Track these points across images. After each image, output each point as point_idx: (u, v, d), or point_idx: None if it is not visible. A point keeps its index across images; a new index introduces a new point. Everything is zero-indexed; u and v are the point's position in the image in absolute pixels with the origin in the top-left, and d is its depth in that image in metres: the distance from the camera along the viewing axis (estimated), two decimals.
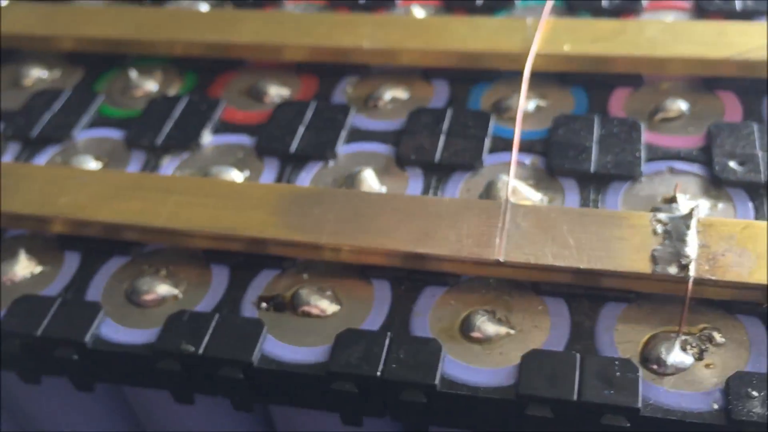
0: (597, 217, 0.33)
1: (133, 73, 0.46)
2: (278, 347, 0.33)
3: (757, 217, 0.34)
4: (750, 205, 0.35)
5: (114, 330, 0.34)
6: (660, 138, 0.39)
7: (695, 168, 0.37)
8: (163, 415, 0.38)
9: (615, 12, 0.46)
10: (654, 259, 0.31)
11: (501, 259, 0.32)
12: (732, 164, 0.36)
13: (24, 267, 0.37)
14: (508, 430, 0.31)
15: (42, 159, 0.42)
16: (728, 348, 0.31)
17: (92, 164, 0.41)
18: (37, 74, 0.48)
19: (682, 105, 0.40)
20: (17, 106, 0.46)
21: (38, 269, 0.37)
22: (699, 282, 0.31)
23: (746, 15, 0.44)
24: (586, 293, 0.33)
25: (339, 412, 0.32)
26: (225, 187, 0.37)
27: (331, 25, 0.45)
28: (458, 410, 0.31)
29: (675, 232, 0.32)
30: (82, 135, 0.44)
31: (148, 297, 0.35)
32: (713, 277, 0.31)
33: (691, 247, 0.32)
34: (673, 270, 0.31)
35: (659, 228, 0.33)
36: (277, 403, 0.34)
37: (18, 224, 0.38)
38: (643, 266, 0.31)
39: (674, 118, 0.39)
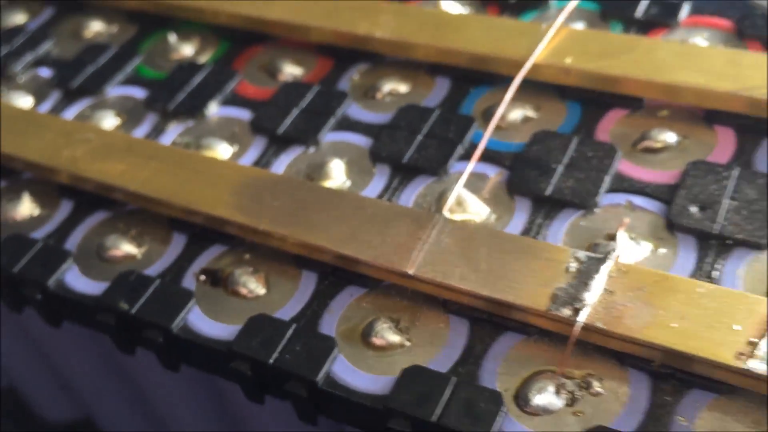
0: (517, 245, 0.33)
1: (172, 37, 0.50)
2: (201, 320, 0.35)
3: (695, 270, 0.33)
4: (694, 255, 0.33)
5: (76, 278, 0.38)
6: (634, 169, 0.37)
7: (655, 206, 0.35)
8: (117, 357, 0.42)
9: (647, 24, 0.44)
10: (554, 298, 0.31)
11: (410, 272, 0.33)
12: (692, 208, 0.34)
13: (26, 208, 0.42)
14: None
15: (75, 109, 0.47)
16: (604, 399, 0.30)
17: (111, 120, 0.45)
18: (96, 28, 0.53)
19: (669, 136, 0.38)
20: (70, 56, 0.50)
21: (37, 212, 0.42)
22: (588, 329, 0.30)
23: None
24: (491, 319, 0.33)
25: (240, 386, 0.35)
26: (198, 161, 0.40)
27: (355, 9, 0.46)
28: (337, 408, 0.32)
29: (585, 274, 0.31)
30: (114, 91, 0.48)
31: (111, 253, 0.39)
32: (603, 327, 0.30)
33: (593, 292, 0.31)
34: (566, 312, 0.31)
35: (573, 266, 0.32)
36: (193, 366, 0.37)
37: (29, 169, 0.43)
38: (541, 303, 0.31)
39: (658, 150, 0.38)
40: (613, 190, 0.36)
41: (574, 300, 0.31)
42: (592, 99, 0.41)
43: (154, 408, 0.47)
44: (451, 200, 0.36)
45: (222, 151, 0.42)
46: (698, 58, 0.39)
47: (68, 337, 0.45)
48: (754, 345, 0.29)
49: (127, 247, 0.39)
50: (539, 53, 0.41)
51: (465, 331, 0.33)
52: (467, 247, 0.33)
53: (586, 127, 0.40)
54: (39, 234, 0.41)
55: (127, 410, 0.49)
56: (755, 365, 0.28)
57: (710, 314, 0.30)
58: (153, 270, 0.38)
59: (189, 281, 0.37)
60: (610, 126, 0.39)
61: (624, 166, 0.37)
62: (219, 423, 0.45)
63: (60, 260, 0.38)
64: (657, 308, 0.30)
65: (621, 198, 0.36)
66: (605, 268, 0.31)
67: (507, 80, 0.42)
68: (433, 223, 0.35)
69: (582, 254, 0.32)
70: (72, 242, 0.40)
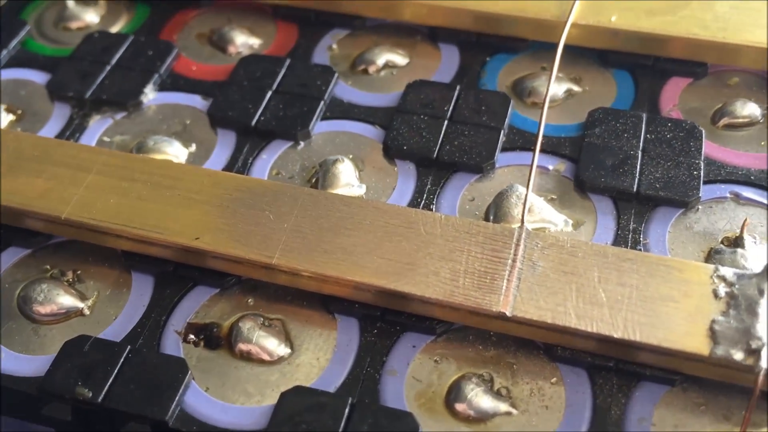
0: (641, 263, 0.25)
1: (71, 1, 0.37)
2: (205, 403, 0.25)
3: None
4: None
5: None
6: (723, 151, 0.30)
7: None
8: None
9: None
10: (714, 335, 0.23)
11: (507, 313, 0.24)
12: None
13: None
14: None
15: None
16: None
17: (2, 116, 0.33)
18: None
19: (754, 108, 0.31)
20: None
21: None
22: None
23: None
24: (616, 368, 0.25)
25: None
26: (158, 168, 0.29)
27: None
28: None
29: (743, 299, 0.24)
30: None
31: (43, 309, 0.27)
32: None
33: (764, 323, 0.23)
34: (738, 355, 0.23)
35: (722, 289, 0.24)
36: None
37: None
38: (699, 344, 0.23)
39: (744, 125, 0.31)
40: (708, 180, 0.29)
41: (746, 336, 0.23)
42: (644, 66, 0.33)
43: None
44: (525, 206, 0.27)
45: (174, 153, 0.31)
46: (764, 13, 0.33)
47: None
48: None
49: (67, 300, 0.27)
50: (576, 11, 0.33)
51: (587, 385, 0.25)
52: (572, 271, 0.25)
53: (646, 102, 0.32)
54: None
55: None
56: None
57: None
58: (114, 330, 0.27)
59: (171, 345, 0.26)
60: (674, 99, 0.32)
61: (710, 148, 0.30)
62: None
63: None
64: None
65: (722, 190, 0.29)
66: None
67: (532, 46, 0.34)
68: (516, 239, 0.26)
69: (727, 272, 0.24)
70: None
